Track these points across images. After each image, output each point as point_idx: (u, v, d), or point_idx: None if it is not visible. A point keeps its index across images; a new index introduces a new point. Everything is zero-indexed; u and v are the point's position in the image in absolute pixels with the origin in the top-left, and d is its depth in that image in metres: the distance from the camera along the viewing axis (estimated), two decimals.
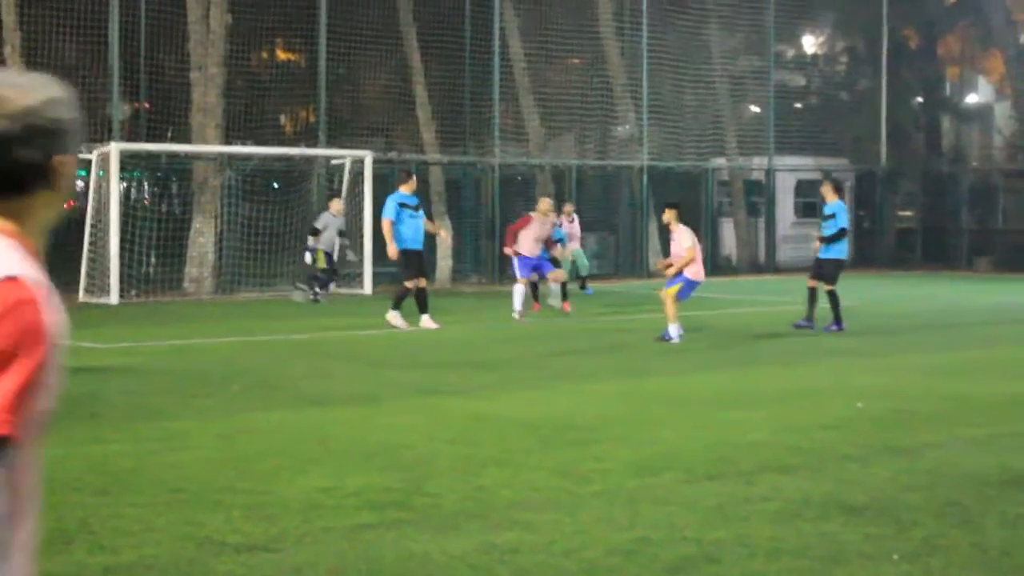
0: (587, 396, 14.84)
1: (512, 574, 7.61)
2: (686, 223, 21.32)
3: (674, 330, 20.55)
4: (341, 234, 29.29)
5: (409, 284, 22.18)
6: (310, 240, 28.74)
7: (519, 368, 17.41)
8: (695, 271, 20.84)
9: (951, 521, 8.89)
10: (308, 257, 28.74)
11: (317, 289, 28.77)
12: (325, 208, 29.53)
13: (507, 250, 25.54)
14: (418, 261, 22.34)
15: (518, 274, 25.10)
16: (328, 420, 12.59)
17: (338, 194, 31.04)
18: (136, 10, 30.14)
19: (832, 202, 22.77)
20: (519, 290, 24.83)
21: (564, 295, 26.53)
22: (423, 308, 22.33)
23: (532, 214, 25.60)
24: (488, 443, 11.71)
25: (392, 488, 9.74)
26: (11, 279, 2.85)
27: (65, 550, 8.01)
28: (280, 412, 13.48)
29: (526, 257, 25.11)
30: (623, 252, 38.18)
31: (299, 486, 9.78)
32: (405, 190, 22.46)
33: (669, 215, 21.19)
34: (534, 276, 25.58)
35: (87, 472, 10.24)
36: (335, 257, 29.14)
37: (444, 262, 34.53)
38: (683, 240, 20.78)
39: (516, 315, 24.54)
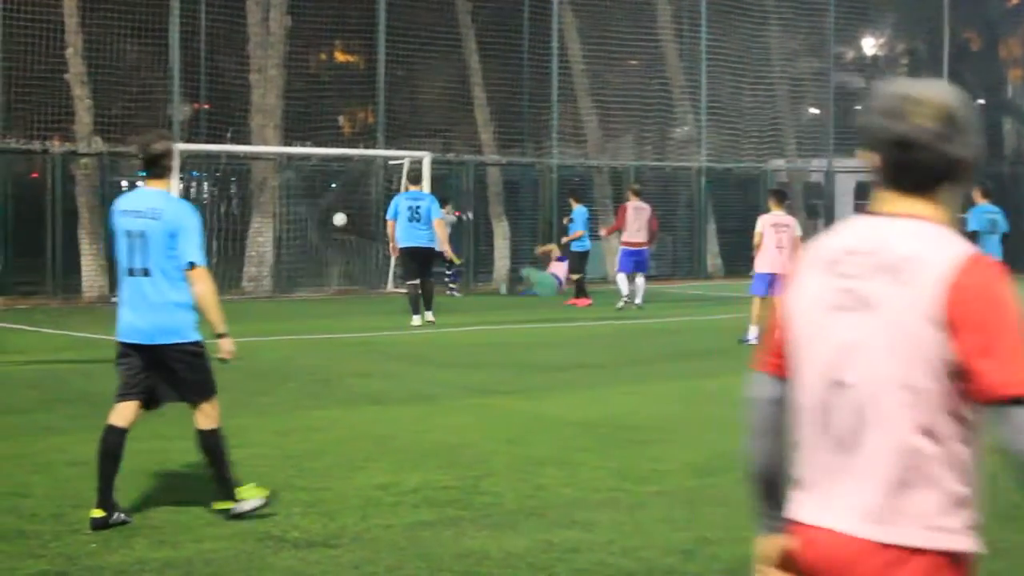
0: (645, 396, 14.80)
1: (571, 573, 7.60)
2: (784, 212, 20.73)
3: (752, 332, 20.14)
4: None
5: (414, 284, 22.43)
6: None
7: (577, 368, 17.39)
8: (759, 262, 20.40)
9: (1015, 525, 8.80)
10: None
11: (451, 285, 30.60)
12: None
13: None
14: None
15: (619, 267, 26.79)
16: (386, 418, 12.62)
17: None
18: (196, 12, 30.30)
19: (981, 204, 22.10)
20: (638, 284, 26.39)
21: (580, 291, 27.65)
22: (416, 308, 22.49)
23: (627, 204, 26.76)
24: (546, 443, 11.70)
25: (450, 486, 9.75)
26: (977, 257, 3.23)
27: (126, 544, 8.07)
28: (338, 410, 13.52)
29: (627, 249, 26.32)
30: (681, 253, 38.06)
31: (357, 483, 9.80)
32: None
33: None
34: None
35: (149, 468, 10.31)
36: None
37: (501, 262, 34.53)
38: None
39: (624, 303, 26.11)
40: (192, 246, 8.55)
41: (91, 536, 8.22)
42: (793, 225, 20.36)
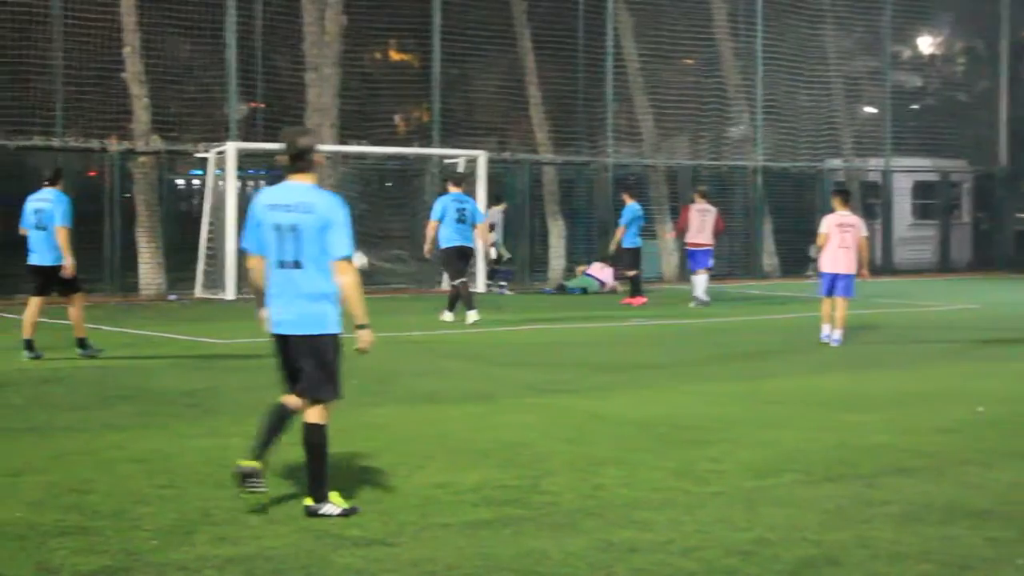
0: (704, 396, 14.74)
1: (630, 573, 7.57)
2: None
3: (833, 332, 20.19)
4: (492, 228, 30.67)
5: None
6: (492, 236, 30.26)
7: (635, 367, 17.35)
8: (823, 262, 20.39)
9: None
10: (493, 253, 30.61)
11: (501, 283, 31.03)
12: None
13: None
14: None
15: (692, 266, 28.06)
16: (444, 417, 12.61)
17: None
18: (252, 11, 30.45)
19: None
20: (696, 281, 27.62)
21: (636, 290, 27.84)
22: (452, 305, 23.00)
23: (691, 205, 28.15)
24: (605, 442, 11.68)
25: (509, 485, 9.74)
26: None
27: (187, 540, 8.10)
28: (396, 408, 13.54)
29: (693, 249, 27.83)
30: (737, 253, 37.91)
31: (416, 482, 9.81)
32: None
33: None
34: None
35: (207, 465, 10.36)
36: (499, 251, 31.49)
37: (556, 261, 34.52)
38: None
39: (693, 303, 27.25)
40: (343, 239, 8.72)
41: (152, 532, 8.26)
42: (859, 225, 20.32)
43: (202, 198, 29.38)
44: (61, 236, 17.03)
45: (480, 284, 30.46)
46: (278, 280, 8.81)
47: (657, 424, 12.65)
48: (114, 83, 28.66)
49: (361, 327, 8.86)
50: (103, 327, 20.73)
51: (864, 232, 20.34)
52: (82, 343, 17.37)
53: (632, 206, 27.74)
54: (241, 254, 27.70)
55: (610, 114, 35.44)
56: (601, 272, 31.64)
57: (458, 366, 16.72)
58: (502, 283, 30.98)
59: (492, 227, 30.54)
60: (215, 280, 27.91)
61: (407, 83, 34.60)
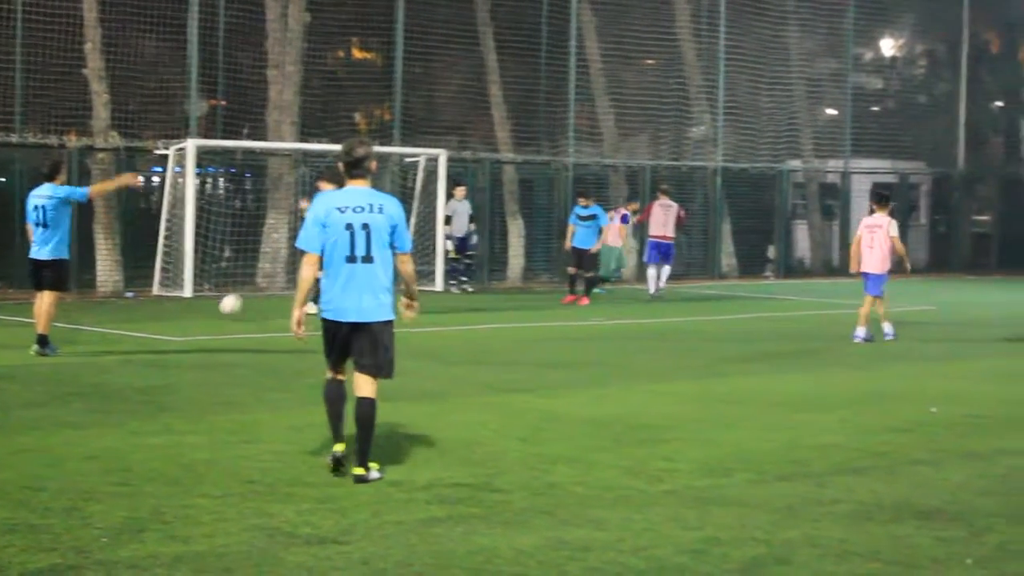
0: (659, 396, 14.80)
1: (581, 571, 7.60)
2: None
3: (858, 330, 20.94)
4: (472, 219, 31.16)
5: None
6: (446, 229, 30.51)
7: (590, 367, 17.39)
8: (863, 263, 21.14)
9: None
10: (449, 245, 30.69)
11: (451, 281, 30.81)
12: (451, 196, 30.95)
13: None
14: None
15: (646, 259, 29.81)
16: (398, 416, 12.61)
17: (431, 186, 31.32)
18: (215, 8, 30.34)
19: None
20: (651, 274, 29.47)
21: (587, 289, 28.06)
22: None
23: (655, 201, 29.80)
24: (559, 441, 11.72)
25: (462, 483, 9.76)
26: None
27: (137, 538, 8.08)
28: (349, 406, 13.50)
29: (653, 241, 29.45)
30: (695, 253, 38.00)
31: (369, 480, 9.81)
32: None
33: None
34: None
35: (161, 463, 10.34)
36: (472, 241, 31.22)
37: (516, 260, 34.54)
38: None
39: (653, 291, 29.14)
40: (407, 235, 10.05)
41: (103, 530, 8.24)
42: (886, 225, 20.99)
43: (161, 195, 29.26)
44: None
45: (439, 283, 30.45)
46: (347, 274, 9.82)
47: (611, 423, 12.69)
48: (74, 79, 28.51)
49: (412, 299, 10.39)
50: (59, 324, 20.61)
51: (894, 232, 21.00)
52: (43, 340, 17.29)
53: (576, 207, 28.19)
54: (200, 251, 27.86)
55: (571, 114, 35.47)
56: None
57: (413, 365, 16.69)
58: (463, 279, 30.90)
59: (448, 219, 30.46)
60: (173, 277, 27.81)
61: (369, 81, 34.52)
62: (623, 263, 31.50)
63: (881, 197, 21.94)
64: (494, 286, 32.79)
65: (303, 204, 25.82)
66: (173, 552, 7.80)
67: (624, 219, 30.76)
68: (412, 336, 20.44)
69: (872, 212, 21.47)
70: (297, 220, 30.66)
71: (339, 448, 9.93)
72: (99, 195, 17.49)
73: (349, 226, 9.79)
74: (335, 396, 10.10)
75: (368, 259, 9.82)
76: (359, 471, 9.73)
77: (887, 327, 21.01)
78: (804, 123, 41.00)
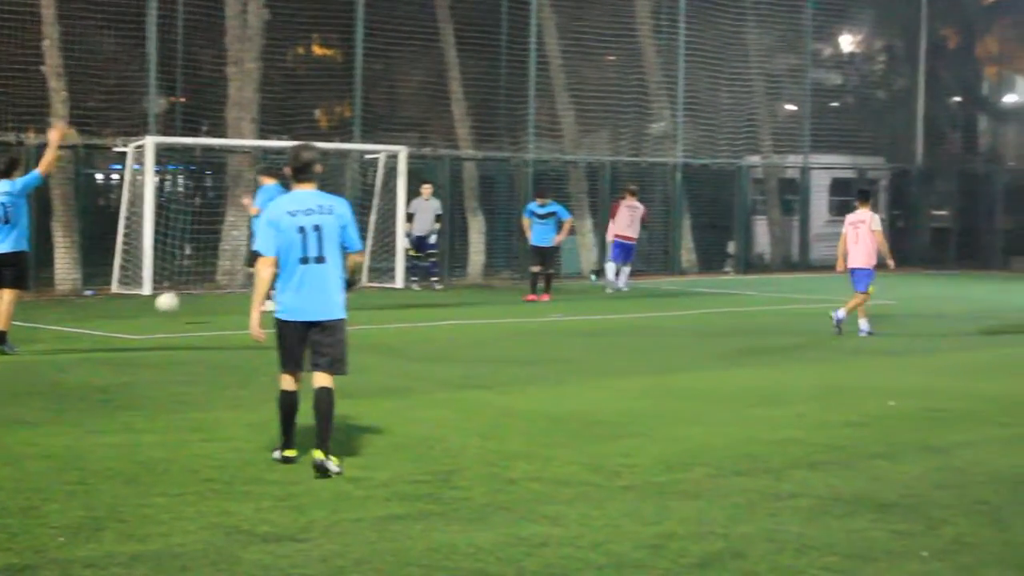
0: (618, 391, 14.83)
1: (539, 567, 7.61)
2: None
3: (843, 318, 21.28)
4: (438, 219, 30.98)
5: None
6: (406, 227, 30.46)
7: (550, 363, 17.40)
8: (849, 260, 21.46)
9: (981, 520, 8.87)
10: (406, 243, 30.58)
11: (412, 278, 30.67)
12: (417, 195, 30.85)
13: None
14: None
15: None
16: (358, 412, 12.60)
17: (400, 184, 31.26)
18: (174, 5, 30.20)
19: None
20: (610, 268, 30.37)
21: (547, 286, 27.93)
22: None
23: (621, 201, 30.37)
24: (518, 437, 11.73)
25: (421, 480, 9.77)
26: None
27: (95, 537, 8.06)
28: (308, 403, 13.46)
29: (618, 241, 30.10)
30: (655, 248, 38.06)
31: (328, 477, 9.80)
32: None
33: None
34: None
35: (118, 461, 10.30)
36: (430, 241, 30.87)
37: (476, 257, 34.53)
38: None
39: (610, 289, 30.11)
40: (357, 235, 10.42)
41: (59, 529, 8.21)
42: (869, 220, 21.25)
43: (120, 192, 29.13)
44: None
45: (399, 280, 30.43)
46: (303, 274, 10.10)
47: (570, 419, 12.72)
48: (32, 76, 28.34)
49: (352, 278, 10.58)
50: (17, 322, 20.51)
51: (876, 226, 21.24)
52: (2, 338, 17.19)
53: (529, 204, 28.46)
54: (159, 249, 27.75)
55: (531, 110, 35.46)
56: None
57: (374, 361, 16.69)
58: (434, 278, 30.78)
59: (410, 217, 30.40)
60: (132, 275, 27.69)
61: (329, 78, 34.44)
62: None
63: (863, 193, 22.27)
64: (455, 283, 32.77)
65: (246, 200, 25.75)
66: (130, 551, 7.78)
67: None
68: (372, 332, 20.46)
69: (855, 209, 21.62)
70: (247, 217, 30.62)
71: (291, 453, 10.30)
72: (49, 167, 17.48)
73: (301, 229, 10.09)
74: (290, 408, 10.36)
75: (320, 259, 10.12)
76: (319, 454, 9.93)
77: (863, 323, 21.18)
78: (763, 119, 41.11)
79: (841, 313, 21.19)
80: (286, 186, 22.37)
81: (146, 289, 26.94)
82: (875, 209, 22.23)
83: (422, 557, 7.74)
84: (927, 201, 45.26)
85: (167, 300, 19.64)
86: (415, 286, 30.54)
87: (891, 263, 21.60)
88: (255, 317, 10.20)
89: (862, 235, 21.12)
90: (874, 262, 21.12)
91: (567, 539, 8.18)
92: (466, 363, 17.17)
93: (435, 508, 8.97)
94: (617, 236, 30.15)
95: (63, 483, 9.53)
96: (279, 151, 30.24)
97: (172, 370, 16.04)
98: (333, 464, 9.95)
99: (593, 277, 31.09)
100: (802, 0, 40.74)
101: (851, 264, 21.27)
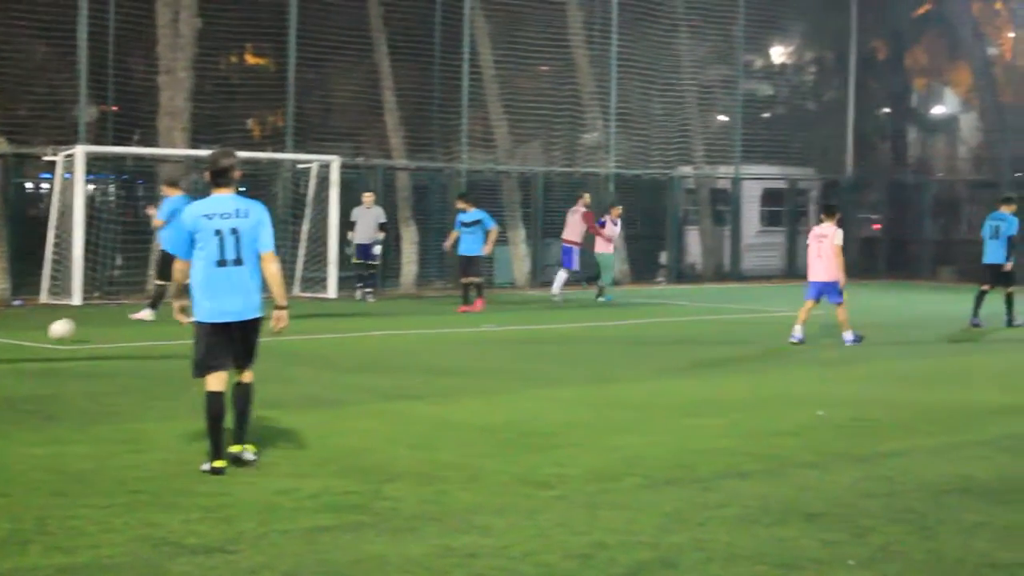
0: (551, 401, 14.85)
1: None
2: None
3: (845, 334, 21.56)
4: (382, 227, 30.75)
5: None
6: (348, 234, 30.44)
7: (483, 373, 17.40)
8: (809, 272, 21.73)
9: (908, 528, 8.94)
10: (348, 251, 30.58)
11: (357, 284, 30.71)
12: (359, 203, 30.73)
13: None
14: None
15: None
16: (288, 424, 12.55)
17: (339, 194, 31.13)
18: (105, 13, 29.99)
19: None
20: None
21: (478, 294, 27.87)
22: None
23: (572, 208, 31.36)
24: (449, 448, 11.72)
25: (351, 491, 9.74)
26: None
27: (21, 551, 7.98)
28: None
29: (568, 246, 31.19)
30: (588, 259, 38.08)
31: (257, 488, 9.76)
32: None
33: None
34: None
35: (45, 473, 10.21)
36: (374, 251, 30.65)
37: (409, 267, 34.49)
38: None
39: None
40: (271, 236, 10.60)
41: None
42: (832, 235, 21.39)
43: (50, 202, 28.89)
44: None
45: (331, 290, 30.33)
46: (220, 277, 10.36)
47: (502, 429, 12.72)
48: None
49: (282, 308, 10.69)
50: None
51: (838, 241, 21.37)
52: None
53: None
54: (90, 259, 27.52)
55: (464, 120, 35.48)
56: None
57: (304, 372, 16.64)
58: (368, 290, 30.58)
59: (352, 225, 30.30)
60: (62, 285, 27.46)
61: (262, 87, 34.28)
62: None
63: (828, 207, 22.45)
64: (388, 292, 32.70)
65: (150, 211, 25.56)
66: (57, 563, 7.71)
67: (615, 224, 31.65)
68: (304, 343, 20.38)
69: (821, 222, 21.79)
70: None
71: (220, 464, 10.30)
72: None
73: (218, 232, 10.37)
74: (218, 412, 10.45)
75: (238, 262, 10.41)
76: (236, 448, 10.42)
77: (847, 334, 21.42)
78: (695, 129, 41.31)
79: (797, 332, 21.32)
80: (192, 197, 22.30)
81: (76, 299, 26.73)
82: (841, 224, 22.20)
83: (350, 569, 7.72)
84: (857, 211, 45.61)
85: (61, 327, 19.57)
86: (364, 295, 30.43)
87: (843, 282, 21.46)
88: (176, 304, 10.94)
89: (824, 249, 21.24)
90: (836, 276, 21.16)
91: (497, 549, 8.18)
92: (398, 373, 17.14)
93: (365, 519, 8.94)
94: (564, 240, 31.34)
95: None
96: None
97: (102, 381, 15.91)
98: (249, 453, 10.42)
99: (598, 297, 31.02)
100: (734, 12, 40.98)
101: (812, 278, 21.38)
